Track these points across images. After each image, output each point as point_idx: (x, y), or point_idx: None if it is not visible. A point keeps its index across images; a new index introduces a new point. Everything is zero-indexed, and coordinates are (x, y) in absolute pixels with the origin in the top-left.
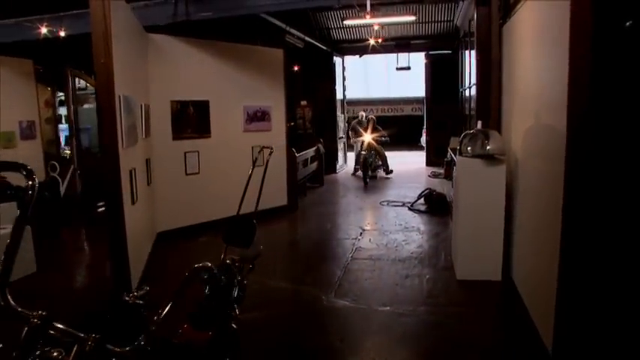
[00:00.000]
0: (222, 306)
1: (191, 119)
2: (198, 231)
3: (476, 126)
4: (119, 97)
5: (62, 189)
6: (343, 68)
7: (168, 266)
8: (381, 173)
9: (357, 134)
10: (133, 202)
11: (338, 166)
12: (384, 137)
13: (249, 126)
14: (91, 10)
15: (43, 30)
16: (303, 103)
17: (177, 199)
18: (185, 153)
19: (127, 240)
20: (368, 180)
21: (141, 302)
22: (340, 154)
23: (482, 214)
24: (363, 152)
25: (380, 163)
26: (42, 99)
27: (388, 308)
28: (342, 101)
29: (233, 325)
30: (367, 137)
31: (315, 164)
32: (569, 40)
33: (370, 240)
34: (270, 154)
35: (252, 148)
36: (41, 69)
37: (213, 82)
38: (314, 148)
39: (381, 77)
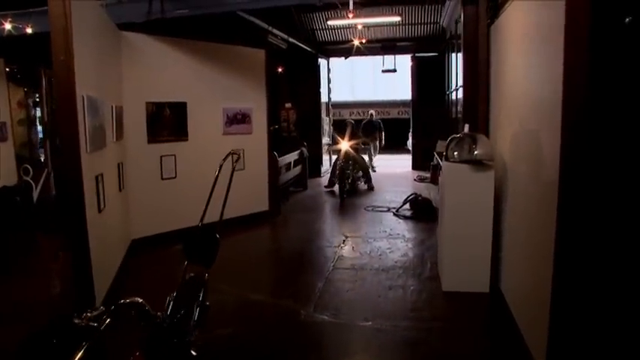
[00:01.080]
0: (177, 334)
1: (167, 122)
2: (174, 238)
3: (463, 130)
4: (82, 97)
5: (35, 193)
6: (328, 70)
7: (141, 276)
8: (362, 185)
9: (335, 142)
10: (100, 210)
11: (323, 170)
12: (363, 145)
13: (229, 129)
14: (49, 4)
15: (7, 26)
16: (288, 105)
17: (152, 205)
18: (161, 157)
19: (93, 250)
20: (345, 195)
21: (94, 325)
22: (325, 157)
23: (469, 222)
24: (339, 162)
25: (360, 174)
26: (14, 100)
27: (370, 323)
28: (328, 104)
29: (192, 352)
30: (344, 145)
31: (298, 168)
32: (564, 38)
33: (353, 248)
34: (236, 160)
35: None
36: (15, 68)
37: (191, 83)
38: (297, 152)
39: (367, 80)
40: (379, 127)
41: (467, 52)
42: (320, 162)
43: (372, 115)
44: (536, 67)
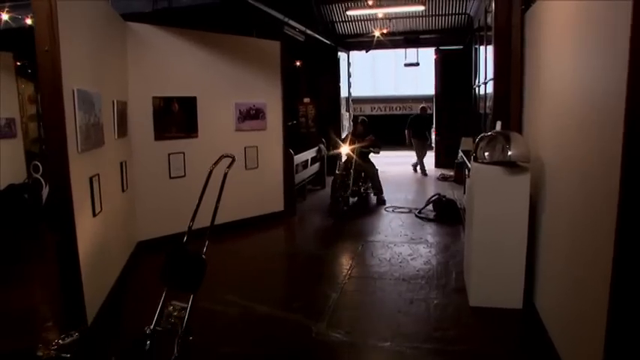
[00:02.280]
0: None
1: (176, 117)
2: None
3: (494, 127)
4: (73, 91)
5: (45, 191)
6: (348, 64)
7: (145, 282)
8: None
9: (334, 146)
10: (95, 214)
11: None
12: (374, 149)
13: (242, 125)
14: None
15: (4, 17)
16: (306, 100)
17: (159, 205)
18: (169, 154)
19: (86, 257)
20: (345, 208)
21: (67, 356)
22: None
23: (501, 230)
24: (337, 171)
25: (369, 184)
26: (25, 95)
27: (388, 344)
28: (348, 99)
29: None
30: (343, 150)
31: (316, 166)
32: (632, 20)
33: (372, 254)
34: (230, 165)
35: (245, 148)
36: (25, 63)
37: (201, 77)
38: (315, 149)
39: (388, 74)
40: (430, 125)
41: (498, 41)
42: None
43: (423, 108)
44: (589, 57)
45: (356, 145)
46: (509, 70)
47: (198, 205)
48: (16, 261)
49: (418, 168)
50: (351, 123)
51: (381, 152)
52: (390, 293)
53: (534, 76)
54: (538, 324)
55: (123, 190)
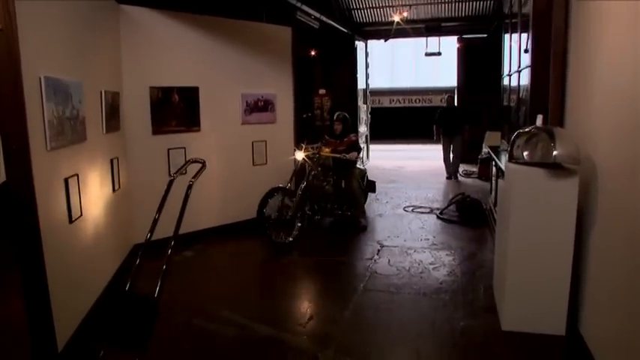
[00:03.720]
0: None
1: (176, 109)
2: (184, 242)
3: (531, 121)
4: (39, 79)
5: None
6: (366, 54)
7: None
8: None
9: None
10: (72, 220)
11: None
12: (345, 157)
13: (249, 117)
14: None
15: None
16: (322, 91)
17: (157, 205)
18: (168, 150)
19: (59, 268)
20: (282, 242)
21: None
22: (362, 147)
23: (541, 243)
24: (302, 184)
25: (345, 209)
26: None
27: None
28: (365, 91)
29: None
30: (298, 155)
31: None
32: None
33: (389, 262)
34: (197, 174)
35: (253, 143)
36: None
37: (204, 65)
38: None
39: (407, 65)
40: (465, 118)
41: (537, 26)
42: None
43: (451, 98)
44: None
45: (325, 152)
46: (549, 58)
47: (157, 217)
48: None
49: (456, 170)
50: (334, 121)
51: (401, 146)
52: (409, 311)
53: (582, 65)
54: (584, 355)
55: (114, 190)
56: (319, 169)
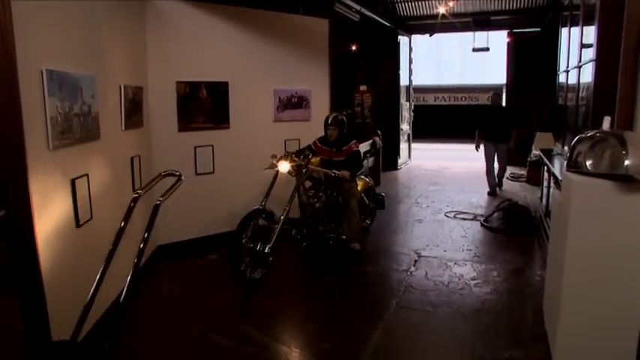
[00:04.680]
0: None
1: (204, 105)
2: (209, 245)
3: (597, 124)
4: (41, 72)
5: None
6: (410, 49)
7: (155, 299)
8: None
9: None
10: (79, 224)
11: (400, 162)
12: (335, 174)
13: (282, 114)
14: None
15: None
16: (363, 88)
17: (184, 205)
18: (195, 148)
19: (60, 280)
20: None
21: None
22: (404, 146)
23: (607, 269)
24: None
25: (341, 233)
26: None
27: None
28: (408, 87)
29: None
30: (282, 167)
31: (370, 161)
32: None
33: (427, 274)
34: (168, 193)
35: (285, 141)
36: None
37: (234, 59)
38: (369, 142)
39: (454, 61)
40: (513, 121)
41: (605, 17)
42: (397, 153)
43: (496, 96)
44: None
45: (313, 165)
46: (619, 52)
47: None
48: None
49: (500, 183)
50: (327, 125)
51: (445, 145)
52: (446, 337)
53: None
54: None
55: (134, 190)
56: (306, 182)
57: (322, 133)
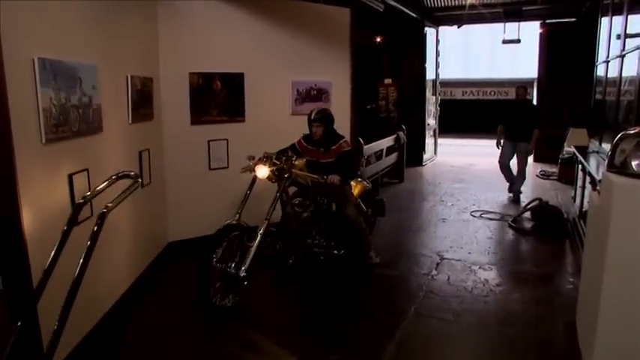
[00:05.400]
0: None
1: (218, 97)
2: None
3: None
4: (33, 61)
5: None
6: (437, 41)
7: (161, 301)
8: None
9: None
10: (78, 222)
11: (425, 158)
12: (324, 179)
13: (300, 107)
14: None
15: None
16: (387, 81)
17: (196, 201)
18: (209, 141)
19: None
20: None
21: None
22: (430, 142)
23: None
24: (288, 208)
25: (336, 246)
26: None
27: None
28: (435, 81)
29: None
30: (260, 172)
31: (393, 156)
32: None
33: (449, 279)
34: (128, 191)
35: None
36: None
37: (250, 50)
38: (393, 137)
39: (483, 54)
40: (537, 118)
41: None
42: (422, 148)
43: (521, 89)
44: None
45: (297, 168)
46: None
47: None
48: None
49: (519, 189)
50: (311, 126)
51: (473, 141)
52: (468, 350)
53: None
54: None
55: (142, 186)
56: (291, 188)
57: (346, 126)
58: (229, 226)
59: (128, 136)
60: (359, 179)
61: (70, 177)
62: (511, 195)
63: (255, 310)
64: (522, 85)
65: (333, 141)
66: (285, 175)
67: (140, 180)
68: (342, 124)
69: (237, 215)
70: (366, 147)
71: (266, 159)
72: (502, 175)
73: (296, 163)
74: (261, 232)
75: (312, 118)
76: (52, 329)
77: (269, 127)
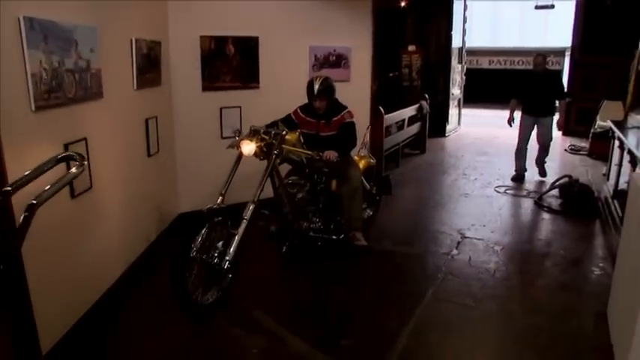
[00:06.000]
0: None
1: (231, 63)
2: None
3: None
4: (18, 20)
5: None
6: (465, 7)
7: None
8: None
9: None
10: (75, 194)
11: (448, 129)
12: (318, 157)
13: (319, 73)
14: None
15: None
16: (411, 48)
17: (208, 170)
18: (221, 109)
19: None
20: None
21: None
22: (454, 112)
23: None
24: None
25: (333, 230)
26: None
27: None
28: (461, 49)
29: None
30: (246, 148)
31: (415, 127)
32: None
33: (470, 259)
34: (68, 177)
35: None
36: None
37: (266, 12)
38: (415, 106)
39: (512, 21)
40: (562, 88)
41: None
42: (446, 119)
43: (539, 58)
44: None
45: (290, 144)
46: None
47: None
48: None
49: (543, 167)
50: (312, 95)
51: (498, 112)
52: (487, 341)
53: None
54: None
55: (149, 155)
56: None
57: (366, 94)
58: (210, 210)
59: (133, 103)
60: (362, 154)
61: (66, 147)
62: (519, 179)
63: (251, 298)
64: (541, 54)
65: (335, 112)
66: (275, 152)
67: (85, 163)
68: (362, 93)
69: (221, 198)
70: (387, 116)
71: (253, 133)
72: (529, 150)
73: (287, 137)
74: (247, 217)
75: (315, 92)
76: None
77: (285, 94)
